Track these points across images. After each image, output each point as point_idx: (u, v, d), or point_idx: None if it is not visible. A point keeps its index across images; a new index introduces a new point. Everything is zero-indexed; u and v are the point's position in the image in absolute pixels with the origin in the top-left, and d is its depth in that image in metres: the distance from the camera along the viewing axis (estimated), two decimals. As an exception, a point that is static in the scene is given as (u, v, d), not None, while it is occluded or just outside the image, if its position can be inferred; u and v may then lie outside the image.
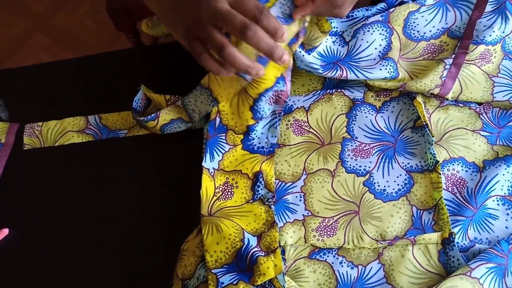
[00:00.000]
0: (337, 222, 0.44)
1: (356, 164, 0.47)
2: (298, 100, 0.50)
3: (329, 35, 0.49)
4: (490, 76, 0.47)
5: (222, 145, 0.48)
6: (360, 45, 0.49)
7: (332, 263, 0.43)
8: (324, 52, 0.49)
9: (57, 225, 0.50)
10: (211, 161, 0.48)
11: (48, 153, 0.54)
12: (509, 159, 0.44)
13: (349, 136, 0.48)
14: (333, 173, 0.46)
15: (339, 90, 0.50)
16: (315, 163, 0.47)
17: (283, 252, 0.44)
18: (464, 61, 0.47)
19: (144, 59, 0.60)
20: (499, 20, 0.47)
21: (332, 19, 0.49)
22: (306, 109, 0.50)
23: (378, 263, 0.42)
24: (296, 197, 0.46)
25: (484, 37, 0.47)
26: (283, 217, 0.45)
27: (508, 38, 0.48)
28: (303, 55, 0.47)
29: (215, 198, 0.46)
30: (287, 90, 0.47)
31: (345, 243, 0.43)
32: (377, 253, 0.43)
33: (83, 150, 0.53)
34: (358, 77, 0.47)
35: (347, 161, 0.47)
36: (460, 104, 0.48)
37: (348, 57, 0.49)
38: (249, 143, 0.48)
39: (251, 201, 0.46)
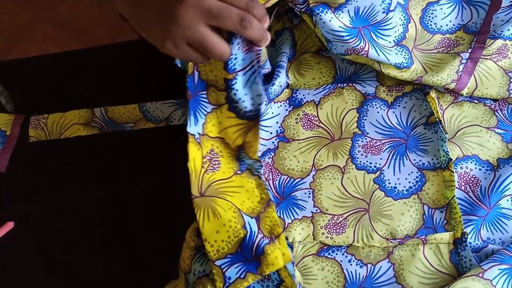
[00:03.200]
0: (347, 220, 0.43)
1: (367, 161, 0.46)
2: (308, 94, 0.49)
3: None
4: (507, 71, 0.46)
5: (204, 106, 0.43)
6: (391, 22, 0.46)
7: (341, 261, 0.42)
8: (364, 9, 0.45)
9: (62, 218, 0.49)
10: (195, 125, 0.43)
11: (54, 146, 0.53)
12: (524, 158, 0.43)
13: (360, 132, 0.47)
14: (343, 170, 0.46)
15: (350, 84, 0.49)
16: (324, 159, 0.46)
17: (291, 249, 0.43)
18: (481, 56, 0.46)
19: (150, 51, 0.59)
20: (517, 14, 0.46)
21: None
22: (316, 103, 0.49)
23: (388, 262, 0.41)
24: (305, 193, 0.45)
25: (502, 31, 0.46)
26: (291, 213, 0.45)
27: (526, 32, 0.47)
28: (331, 19, 0.43)
29: (203, 170, 0.42)
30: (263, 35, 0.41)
31: (355, 241, 0.42)
32: (387, 252, 0.42)
33: (89, 143, 0.53)
34: (379, 56, 0.45)
35: (358, 158, 0.46)
36: (475, 101, 0.47)
37: (375, 26, 0.46)
38: (234, 104, 0.43)
39: (239, 172, 0.43)
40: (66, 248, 0.48)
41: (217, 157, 0.43)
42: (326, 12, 0.43)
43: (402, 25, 0.47)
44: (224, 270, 0.39)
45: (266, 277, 0.40)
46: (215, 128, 0.44)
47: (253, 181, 0.43)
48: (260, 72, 0.42)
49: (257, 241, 0.40)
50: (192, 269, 0.42)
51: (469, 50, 0.46)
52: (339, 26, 0.44)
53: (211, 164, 0.43)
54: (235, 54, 0.41)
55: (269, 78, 0.48)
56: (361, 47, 0.44)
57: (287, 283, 0.40)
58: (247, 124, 0.43)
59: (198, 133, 0.43)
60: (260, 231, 0.41)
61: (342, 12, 0.44)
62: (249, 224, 0.41)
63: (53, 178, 0.51)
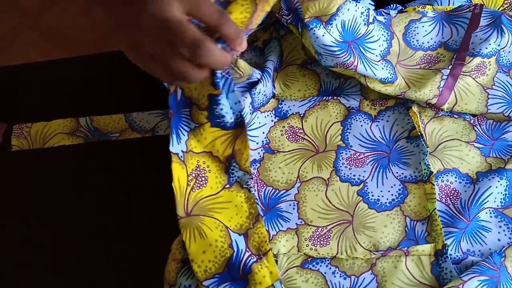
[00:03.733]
0: (331, 232, 0.44)
1: (351, 173, 0.46)
2: (294, 105, 0.50)
3: (362, 4, 0.46)
4: (485, 88, 0.48)
5: (187, 123, 0.43)
6: (373, 35, 0.47)
7: (325, 273, 0.42)
8: (348, 23, 0.45)
9: (43, 228, 0.49)
10: (178, 143, 0.42)
11: (37, 155, 0.52)
12: (502, 172, 0.45)
13: (344, 145, 0.48)
14: (327, 182, 0.46)
15: (335, 98, 0.50)
16: (309, 171, 0.47)
17: (275, 261, 0.43)
18: (461, 73, 0.47)
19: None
20: (495, 34, 0.48)
21: None
22: (301, 115, 0.49)
23: (371, 274, 0.42)
24: (290, 205, 0.46)
25: (480, 49, 0.47)
26: (276, 225, 0.45)
27: (503, 51, 0.48)
28: (323, 34, 0.44)
29: (189, 188, 0.42)
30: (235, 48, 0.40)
31: (338, 253, 0.43)
32: (370, 264, 0.42)
33: (73, 152, 0.52)
34: (366, 71, 0.46)
35: (341, 170, 0.47)
36: (455, 115, 0.48)
37: (361, 39, 0.47)
38: (218, 120, 0.43)
39: (228, 186, 0.43)
40: (47, 259, 0.47)
41: (204, 173, 0.43)
42: (319, 27, 0.44)
43: (386, 40, 0.48)
44: None
45: None
46: (200, 143, 0.43)
47: (242, 194, 0.43)
48: (233, 80, 0.43)
49: (244, 259, 0.40)
50: (178, 283, 0.42)
51: (450, 67, 0.47)
52: (331, 41, 0.45)
53: (197, 181, 0.43)
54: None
55: (255, 84, 0.48)
56: (351, 62, 0.45)
57: None
58: (233, 133, 0.44)
59: (182, 151, 0.43)
60: (247, 249, 0.41)
61: (332, 26, 0.45)
62: (236, 242, 0.41)
63: (36, 187, 0.51)
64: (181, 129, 0.43)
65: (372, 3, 0.48)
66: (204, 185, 0.43)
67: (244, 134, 0.43)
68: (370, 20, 0.47)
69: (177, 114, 0.43)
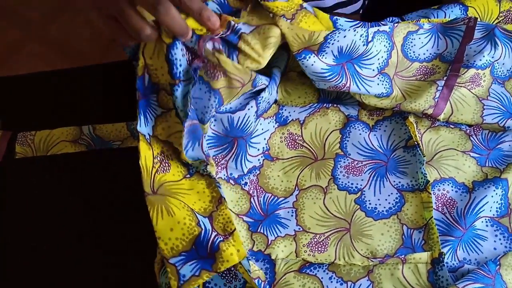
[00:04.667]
0: (328, 239, 0.45)
1: (348, 182, 0.47)
2: (294, 111, 0.51)
3: (361, 27, 0.46)
4: (480, 99, 0.49)
5: (154, 109, 0.44)
6: (372, 51, 0.48)
7: (322, 278, 0.43)
8: (346, 47, 0.46)
9: (46, 236, 0.49)
10: (145, 126, 0.43)
11: (40, 162, 0.53)
12: (497, 181, 0.45)
13: (342, 153, 0.48)
14: (325, 190, 0.47)
15: (335, 105, 0.51)
16: (307, 179, 0.48)
17: (273, 266, 0.44)
18: (455, 84, 0.48)
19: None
20: (489, 46, 0.49)
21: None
22: (301, 122, 0.50)
23: (367, 280, 0.42)
24: (288, 212, 0.46)
25: (474, 61, 0.48)
26: (275, 231, 0.45)
27: (497, 63, 0.50)
28: (313, 63, 0.45)
29: (154, 170, 0.42)
30: (199, 51, 0.41)
31: (336, 259, 0.43)
32: (367, 270, 0.43)
33: (76, 160, 0.53)
34: (359, 90, 0.47)
35: (339, 178, 0.47)
36: (451, 125, 0.49)
37: (358, 58, 0.47)
38: (177, 111, 0.43)
39: (188, 176, 0.44)
40: (49, 264, 0.48)
41: (167, 160, 0.43)
42: (309, 57, 0.44)
43: (386, 51, 0.49)
44: (178, 268, 0.39)
45: (234, 276, 0.41)
46: (164, 131, 0.44)
47: (203, 181, 0.43)
48: (194, 84, 0.42)
49: (211, 238, 0.40)
50: (160, 282, 0.42)
51: (444, 78, 0.48)
52: (321, 68, 0.45)
53: (161, 165, 0.43)
54: (179, 60, 0.42)
55: (261, 91, 0.48)
56: (343, 84, 0.46)
57: (246, 278, 0.40)
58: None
59: (148, 134, 0.43)
60: (214, 230, 0.41)
61: (326, 53, 0.45)
62: (203, 223, 0.41)
63: (39, 194, 0.51)
64: (149, 113, 0.44)
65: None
66: (168, 170, 0.43)
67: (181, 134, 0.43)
68: (369, 39, 0.47)
69: (145, 98, 0.43)
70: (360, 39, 0.46)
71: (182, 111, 0.43)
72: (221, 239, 0.40)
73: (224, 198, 0.43)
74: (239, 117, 0.46)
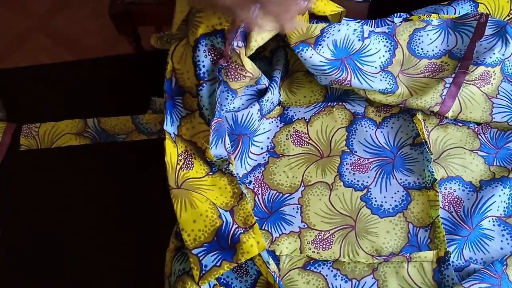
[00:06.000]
0: (333, 236, 0.44)
1: (354, 179, 0.47)
2: (299, 111, 0.51)
3: (354, 22, 0.48)
4: (490, 97, 0.48)
5: (180, 110, 0.46)
6: (370, 48, 0.49)
7: (326, 275, 0.42)
8: (341, 41, 0.47)
9: (50, 227, 0.49)
10: (171, 125, 0.46)
11: (45, 155, 0.53)
12: (505, 180, 0.45)
13: (348, 150, 0.48)
14: (331, 187, 0.46)
15: (340, 104, 0.50)
16: (313, 175, 0.47)
17: (278, 262, 0.43)
18: (464, 81, 0.47)
19: (144, 64, 0.60)
20: (500, 43, 0.48)
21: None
22: (307, 120, 0.50)
23: (372, 278, 0.42)
24: (293, 208, 0.46)
25: (484, 58, 0.48)
26: (279, 228, 0.45)
27: (508, 61, 0.49)
28: (311, 56, 0.46)
29: (178, 167, 0.44)
30: (227, 52, 0.43)
31: (341, 257, 0.43)
32: (372, 268, 0.42)
33: (80, 152, 0.53)
34: (361, 84, 0.47)
35: (345, 175, 0.47)
36: (459, 123, 0.49)
37: (357, 54, 0.48)
38: (202, 111, 0.45)
39: (211, 173, 0.45)
40: (53, 256, 0.48)
41: (191, 158, 0.45)
42: (307, 50, 0.46)
43: (388, 51, 0.49)
44: (200, 258, 0.41)
45: (245, 272, 0.42)
46: (188, 132, 0.46)
47: (225, 178, 0.45)
48: (220, 84, 0.44)
49: (232, 230, 0.41)
50: (173, 270, 0.43)
51: (453, 75, 0.48)
52: (320, 61, 0.46)
53: (185, 163, 0.45)
54: (203, 62, 0.44)
55: (264, 93, 0.49)
56: (344, 78, 0.46)
57: (262, 271, 0.41)
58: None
59: (174, 133, 0.45)
60: (235, 222, 0.42)
61: (322, 46, 0.46)
62: (224, 216, 0.42)
63: (43, 186, 0.51)
64: (175, 113, 0.46)
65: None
66: (191, 168, 0.45)
67: (208, 133, 0.44)
68: (366, 35, 0.48)
69: (172, 100, 0.46)
70: (354, 33, 0.47)
71: (207, 109, 0.45)
72: (242, 231, 0.41)
73: (245, 194, 0.44)
74: (243, 114, 0.47)
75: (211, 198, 0.43)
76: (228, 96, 0.45)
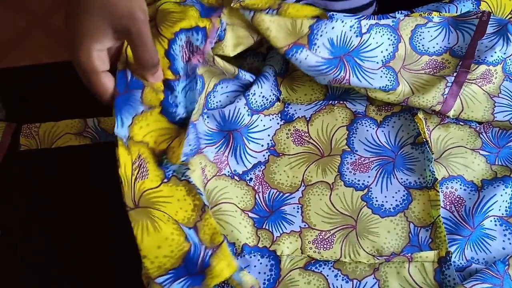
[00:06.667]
0: (334, 236, 0.44)
1: (355, 178, 0.46)
2: (300, 109, 0.50)
3: (350, 18, 0.46)
4: (491, 96, 0.48)
5: (134, 106, 0.40)
6: (371, 43, 0.48)
7: (327, 275, 0.42)
8: (337, 39, 0.46)
9: (49, 228, 0.49)
10: (121, 127, 0.39)
11: (45, 155, 0.53)
12: (507, 180, 0.44)
13: (349, 149, 0.48)
14: (331, 186, 0.46)
15: (341, 102, 0.50)
16: (313, 175, 0.47)
17: (278, 262, 0.43)
18: (466, 80, 0.47)
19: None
20: (501, 42, 0.48)
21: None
22: (307, 119, 0.50)
23: (373, 278, 0.42)
24: (294, 208, 0.46)
25: (486, 57, 0.47)
26: (280, 227, 0.45)
27: (509, 59, 0.49)
28: (306, 57, 0.45)
29: (133, 178, 0.39)
30: (204, 50, 0.41)
31: (342, 257, 0.43)
32: (373, 268, 0.42)
33: (80, 152, 0.53)
34: (361, 82, 0.46)
35: (346, 175, 0.47)
36: (461, 123, 0.48)
37: (356, 51, 0.47)
38: (170, 109, 0.41)
39: (165, 180, 0.40)
40: (53, 256, 0.47)
41: (145, 164, 0.40)
42: (301, 51, 0.45)
43: (392, 44, 0.48)
44: (165, 287, 0.36)
45: (226, 283, 0.40)
46: (141, 131, 0.40)
47: (182, 188, 0.40)
48: (196, 81, 0.42)
49: (202, 254, 0.38)
50: None
51: (454, 74, 0.47)
52: (316, 61, 0.45)
53: (140, 171, 0.39)
54: (177, 56, 0.42)
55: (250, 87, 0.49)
56: (342, 77, 0.46)
57: None
58: (175, 129, 0.42)
59: (125, 137, 0.40)
60: (201, 243, 0.39)
61: (318, 46, 0.45)
62: (190, 236, 0.38)
63: (43, 187, 0.51)
64: (126, 111, 0.40)
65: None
66: (146, 176, 0.40)
67: (183, 134, 0.41)
68: (364, 31, 0.47)
69: (124, 94, 0.39)
70: (350, 30, 0.46)
71: (185, 107, 0.43)
72: (211, 252, 0.38)
73: (208, 206, 0.40)
74: (230, 110, 0.47)
75: (171, 213, 0.39)
76: (196, 82, 0.43)
